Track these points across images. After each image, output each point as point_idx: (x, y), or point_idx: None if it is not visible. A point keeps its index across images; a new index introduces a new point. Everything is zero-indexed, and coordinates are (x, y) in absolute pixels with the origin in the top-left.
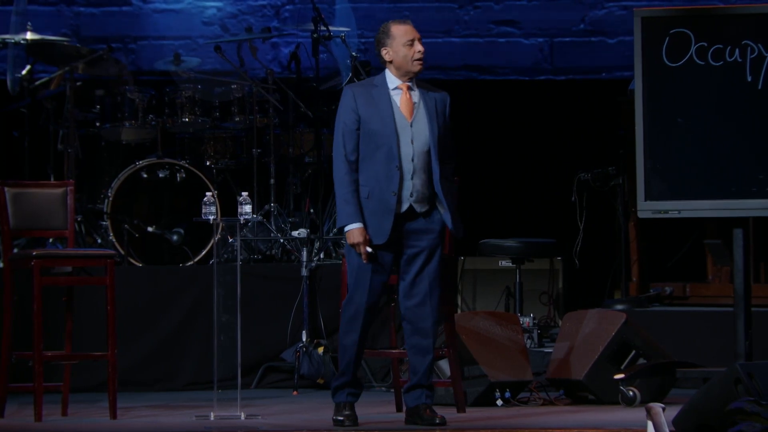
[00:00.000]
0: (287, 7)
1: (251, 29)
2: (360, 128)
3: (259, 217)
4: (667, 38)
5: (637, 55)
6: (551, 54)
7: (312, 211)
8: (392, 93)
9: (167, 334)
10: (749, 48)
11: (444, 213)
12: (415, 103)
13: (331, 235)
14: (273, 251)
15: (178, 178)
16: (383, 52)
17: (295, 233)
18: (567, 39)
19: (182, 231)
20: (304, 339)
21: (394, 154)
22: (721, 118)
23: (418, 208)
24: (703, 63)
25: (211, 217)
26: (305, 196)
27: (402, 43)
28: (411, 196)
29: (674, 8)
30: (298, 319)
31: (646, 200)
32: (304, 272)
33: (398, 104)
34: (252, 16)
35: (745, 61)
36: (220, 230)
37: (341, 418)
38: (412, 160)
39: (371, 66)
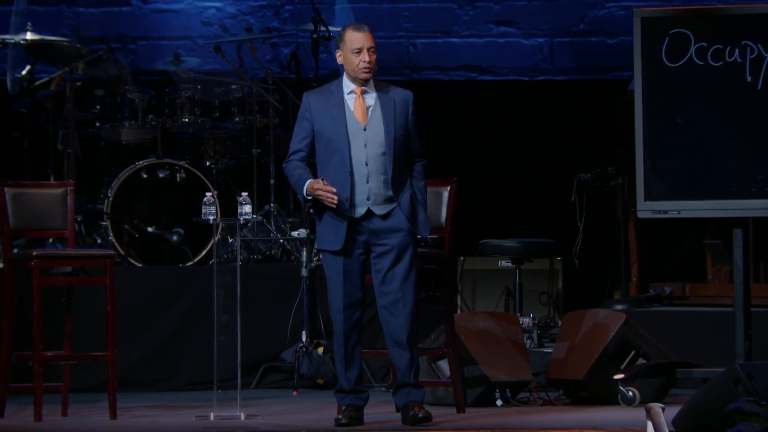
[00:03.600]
0: (287, 7)
1: (251, 29)
2: (315, 136)
3: (259, 218)
4: (667, 38)
5: (637, 55)
6: (551, 54)
7: (311, 211)
8: (347, 98)
9: (167, 334)
10: (749, 48)
11: (399, 214)
12: (369, 106)
13: None
14: (273, 251)
15: (178, 179)
16: (337, 54)
17: (294, 233)
18: (567, 39)
19: (182, 231)
20: (303, 339)
21: (345, 159)
22: (720, 118)
23: (378, 210)
24: (702, 63)
25: (211, 218)
26: None
27: (351, 50)
28: (368, 199)
29: (674, 8)
30: (297, 320)
31: (645, 200)
32: (304, 272)
33: (352, 109)
34: (252, 17)
35: (744, 62)
36: (219, 230)
37: (341, 417)
38: (366, 164)
39: None
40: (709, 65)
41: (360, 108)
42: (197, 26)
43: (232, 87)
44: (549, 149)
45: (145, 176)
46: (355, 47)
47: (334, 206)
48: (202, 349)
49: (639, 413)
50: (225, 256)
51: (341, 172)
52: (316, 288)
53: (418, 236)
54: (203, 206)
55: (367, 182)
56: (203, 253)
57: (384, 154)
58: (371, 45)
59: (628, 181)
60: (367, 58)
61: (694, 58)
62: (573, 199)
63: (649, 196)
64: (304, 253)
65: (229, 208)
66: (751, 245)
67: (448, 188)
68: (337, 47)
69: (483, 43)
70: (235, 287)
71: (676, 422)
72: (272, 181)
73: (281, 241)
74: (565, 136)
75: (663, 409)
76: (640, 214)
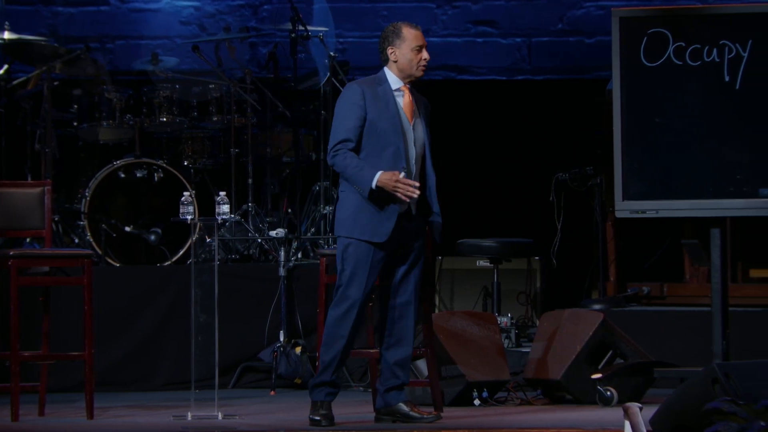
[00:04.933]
0: (265, 6)
1: (229, 29)
2: (365, 125)
3: (237, 217)
4: (645, 38)
5: (615, 55)
6: (529, 54)
7: (290, 211)
8: (395, 93)
9: (145, 334)
10: (727, 48)
11: (436, 219)
12: (415, 106)
13: (309, 234)
14: (251, 251)
15: (156, 178)
16: (389, 50)
17: (272, 233)
18: (545, 39)
19: (160, 231)
20: (281, 339)
21: (401, 154)
22: (698, 118)
23: (413, 210)
24: (680, 63)
25: (189, 217)
26: (283, 196)
27: (411, 47)
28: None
29: (652, 8)
30: (275, 319)
31: (623, 200)
32: (282, 272)
33: (401, 105)
34: (230, 16)
35: (722, 61)
36: (197, 230)
37: (318, 418)
38: (414, 163)
39: (349, 66)
40: (687, 65)
41: (408, 106)
42: (175, 26)
43: (210, 87)
44: (527, 149)
45: (122, 176)
46: (416, 44)
47: (411, 200)
48: (180, 348)
49: (617, 413)
50: (203, 255)
51: (395, 165)
52: (294, 288)
53: (438, 243)
54: (181, 206)
55: (413, 180)
56: (181, 252)
57: (423, 156)
58: (426, 43)
59: (607, 181)
60: (427, 56)
61: (672, 58)
62: (551, 198)
63: (627, 196)
64: (282, 253)
65: (207, 207)
66: (729, 245)
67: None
68: (389, 43)
69: (461, 42)
70: (212, 287)
71: (653, 422)
72: (250, 181)
73: (259, 240)
74: (544, 136)
75: (641, 409)
76: (618, 214)
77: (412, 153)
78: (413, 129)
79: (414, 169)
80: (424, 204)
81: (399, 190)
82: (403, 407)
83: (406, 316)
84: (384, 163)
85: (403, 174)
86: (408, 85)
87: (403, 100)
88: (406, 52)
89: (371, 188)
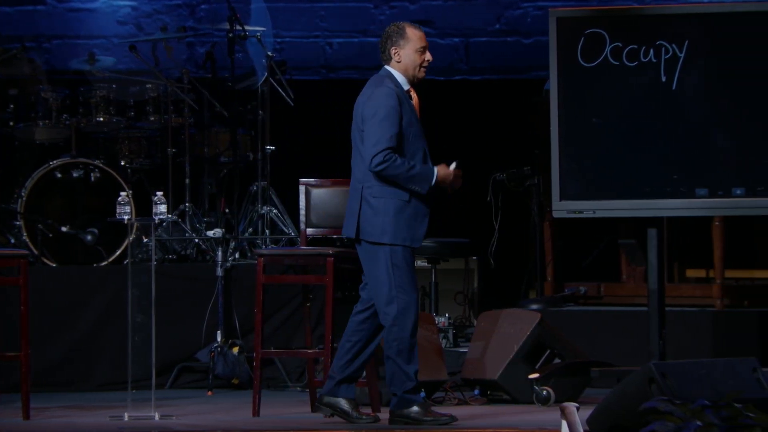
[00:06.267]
0: (202, 6)
1: (166, 28)
2: (402, 131)
3: (174, 217)
4: (582, 38)
5: (553, 55)
6: (467, 54)
7: (227, 210)
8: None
9: (82, 334)
10: (663, 48)
11: None
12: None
13: (246, 235)
14: (188, 251)
15: (93, 178)
16: (392, 50)
17: (210, 233)
18: (483, 39)
19: (96, 231)
20: (218, 339)
21: (428, 155)
22: (635, 118)
23: None
24: (617, 63)
25: (126, 217)
26: (220, 195)
27: (415, 48)
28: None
29: (589, 9)
30: (212, 319)
31: (561, 200)
32: (219, 272)
33: (413, 106)
34: (167, 16)
35: (659, 62)
36: (134, 230)
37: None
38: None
39: (287, 66)
40: (624, 65)
41: (417, 106)
42: (112, 25)
43: (148, 86)
44: (464, 149)
45: (59, 176)
46: (420, 45)
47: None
48: (117, 349)
49: (554, 413)
50: (140, 255)
51: (427, 168)
52: (232, 288)
53: None
54: (118, 206)
55: None
56: (118, 252)
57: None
58: (428, 45)
59: (544, 181)
60: (430, 57)
61: (610, 58)
62: (489, 198)
63: (564, 196)
64: (220, 253)
65: (143, 207)
66: (665, 245)
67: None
68: (393, 44)
69: None
70: (149, 287)
71: (590, 421)
72: (187, 181)
73: (196, 240)
74: (481, 136)
75: (577, 409)
76: (556, 214)
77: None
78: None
79: None
80: None
81: (456, 182)
82: (344, 404)
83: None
84: (419, 166)
85: (453, 165)
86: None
87: (414, 101)
88: (410, 52)
89: (431, 185)
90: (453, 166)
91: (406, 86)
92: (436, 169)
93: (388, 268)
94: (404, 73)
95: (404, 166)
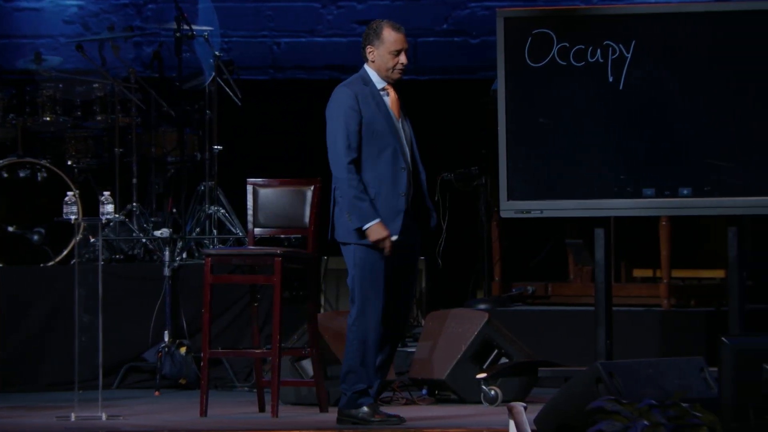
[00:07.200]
0: (150, 5)
1: (113, 28)
2: (362, 129)
3: (121, 217)
4: (530, 38)
5: (500, 55)
6: (414, 54)
7: (174, 210)
8: (381, 93)
9: (28, 334)
10: (610, 48)
11: (432, 213)
12: (399, 103)
13: (194, 234)
14: (135, 251)
15: (39, 178)
16: (368, 50)
17: (157, 233)
18: (430, 39)
19: (43, 231)
20: (166, 339)
21: (398, 154)
22: (582, 118)
23: (410, 208)
24: (565, 63)
25: (73, 217)
26: (168, 195)
27: (389, 50)
28: (408, 195)
29: (536, 9)
30: (160, 320)
31: (508, 200)
32: (167, 272)
33: (388, 104)
34: (114, 15)
35: (606, 62)
36: (81, 230)
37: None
38: (409, 161)
39: (234, 65)
40: (572, 65)
41: (394, 104)
42: (59, 25)
43: (94, 86)
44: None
45: (5, 175)
46: (395, 48)
47: (405, 199)
48: (64, 349)
49: (501, 412)
50: (87, 255)
51: (395, 167)
52: (179, 288)
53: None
54: (64, 206)
55: (409, 179)
56: (64, 252)
57: (412, 152)
58: (407, 47)
59: (492, 181)
60: (404, 61)
61: (557, 59)
62: (436, 198)
63: (511, 196)
64: (167, 253)
65: (91, 207)
66: (612, 245)
67: (312, 188)
68: (369, 42)
69: (346, 42)
70: (96, 287)
71: (537, 421)
72: (135, 181)
73: (144, 240)
74: (429, 136)
75: (525, 408)
76: (503, 214)
77: (407, 151)
78: (402, 128)
79: (411, 167)
80: (417, 201)
81: (381, 245)
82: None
83: (404, 312)
84: (383, 164)
85: (405, 175)
86: (391, 84)
87: (390, 99)
88: (383, 53)
89: (360, 228)
90: (393, 239)
91: (380, 85)
92: (375, 222)
93: (352, 268)
94: (378, 72)
95: (353, 192)
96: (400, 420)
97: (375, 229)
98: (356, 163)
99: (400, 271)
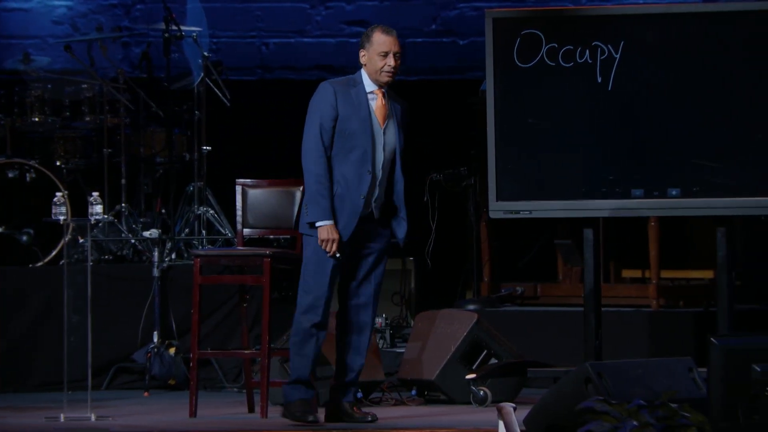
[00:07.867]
0: (138, 6)
1: (102, 28)
2: (336, 125)
3: (110, 218)
4: (518, 39)
5: (489, 55)
6: (403, 54)
7: (163, 211)
8: (369, 96)
9: (17, 335)
10: (599, 49)
11: (403, 223)
12: (388, 110)
13: (182, 235)
14: (124, 252)
15: (28, 178)
16: (361, 54)
17: (146, 233)
18: (419, 39)
19: (32, 231)
20: (155, 340)
21: (368, 157)
22: (571, 119)
23: (377, 214)
24: (553, 64)
25: (62, 218)
26: (156, 196)
27: (377, 53)
28: (374, 201)
29: (525, 9)
30: (149, 320)
31: (497, 200)
32: (156, 273)
33: (373, 108)
34: (102, 15)
35: (595, 63)
36: (70, 231)
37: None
38: (381, 167)
39: (223, 66)
40: (560, 66)
41: (380, 110)
42: (47, 25)
43: (83, 86)
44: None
45: None
46: (381, 50)
47: (374, 204)
48: (53, 350)
49: (491, 413)
50: (75, 256)
51: (361, 169)
52: (168, 289)
53: (398, 241)
54: (53, 206)
55: (378, 185)
56: (53, 253)
57: (392, 161)
58: (397, 50)
59: (481, 182)
60: (392, 63)
61: (546, 59)
62: (425, 199)
63: (500, 197)
64: (156, 254)
65: (79, 208)
66: (601, 245)
67: (301, 188)
68: (362, 46)
69: (335, 43)
70: (85, 288)
71: (527, 422)
72: (123, 181)
73: (132, 241)
74: (418, 137)
75: (514, 409)
76: (492, 214)
77: (380, 157)
78: (384, 133)
79: (380, 174)
80: (389, 208)
81: (324, 247)
82: (346, 407)
83: (365, 317)
84: (350, 165)
85: (369, 179)
86: (383, 89)
87: (376, 104)
88: (372, 56)
89: (312, 223)
90: (336, 235)
91: (369, 88)
92: (327, 223)
93: (308, 257)
94: (369, 76)
95: (316, 187)
96: (374, 418)
97: (325, 229)
98: (327, 159)
99: (356, 274)
